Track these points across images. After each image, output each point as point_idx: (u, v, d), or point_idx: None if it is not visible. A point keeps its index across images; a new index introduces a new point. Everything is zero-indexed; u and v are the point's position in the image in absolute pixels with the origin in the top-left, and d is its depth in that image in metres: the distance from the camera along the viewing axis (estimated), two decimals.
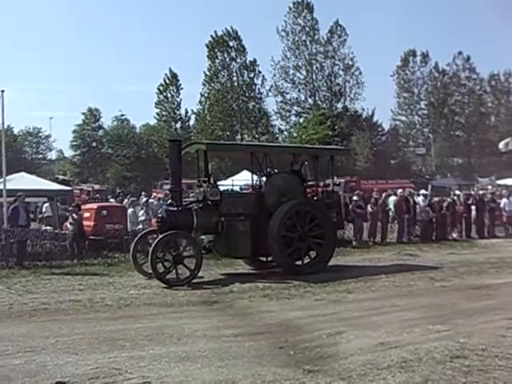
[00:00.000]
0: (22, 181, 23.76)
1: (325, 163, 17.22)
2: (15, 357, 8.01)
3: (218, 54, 64.00)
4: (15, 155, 56.30)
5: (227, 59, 64.04)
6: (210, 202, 15.29)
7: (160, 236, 14.31)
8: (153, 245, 14.12)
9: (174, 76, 64.73)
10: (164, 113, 65.03)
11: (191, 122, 65.63)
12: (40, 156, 71.72)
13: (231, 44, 64.21)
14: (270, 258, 16.52)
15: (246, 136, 62.32)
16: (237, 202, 15.61)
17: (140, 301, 11.93)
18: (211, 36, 63.77)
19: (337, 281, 14.01)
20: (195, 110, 64.34)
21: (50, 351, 8.25)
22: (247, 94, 63.68)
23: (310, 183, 17.00)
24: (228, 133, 61.60)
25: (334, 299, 11.99)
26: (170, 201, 15.77)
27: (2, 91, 18.29)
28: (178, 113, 65.03)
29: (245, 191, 18.44)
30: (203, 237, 15.74)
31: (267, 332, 9.26)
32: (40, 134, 70.41)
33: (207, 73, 64.11)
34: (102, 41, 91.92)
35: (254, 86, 64.57)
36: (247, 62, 64.35)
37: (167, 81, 64.81)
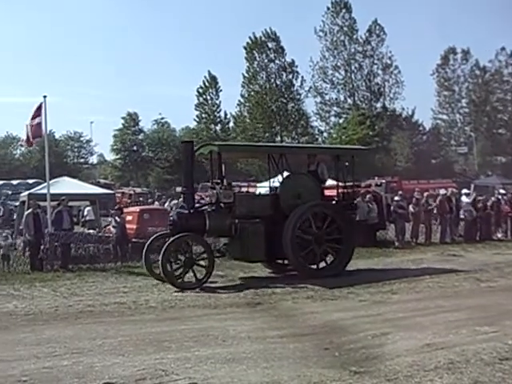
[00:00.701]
0: (65, 185, 24.13)
1: (348, 164, 16.87)
2: (63, 358, 8.13)
3: (257, 55, 64.08)
4: (58, 160, 57.25)
5: (266, 60, 64.05)
6: (222, 205, 14.99)
7: (171, 239, 14.22)
8: (164, 247, 13.96)
9: (213, 78, 65.05)
10: (204, 115, 65.37)
11: (231, 125, 65.83)
12: (82, 160, 72.67)
13: (270, 45, 64.22)
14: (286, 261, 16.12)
15: (285, 138, 62.23)
16: (251, 203, 15.21)
17: (184, 303, 12.00)
18: (249, 38, 63.95)
19: (380, 282, 13.89)
20: (234, 113, 64.57)
21: (96, 352, 8.35)
22: (286, 96, 63.57)
23: (328, 184, 16.83)
24: (267, 134, 61.57)
25: (378, 300, 11.91)
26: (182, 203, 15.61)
27: (45, 97, 18.57)
28: (217, 115, 65.34)
29: (259, 193, 17.94)
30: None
31: (312, 333, 9.24)
32: (81, 139, 71.39)
33: (246, 75, 64.26)
34: (141, 44, 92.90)
35: (292, 87, 64.44)
36: (286, 63, 64.27)
37: (206, 83, 65.16)
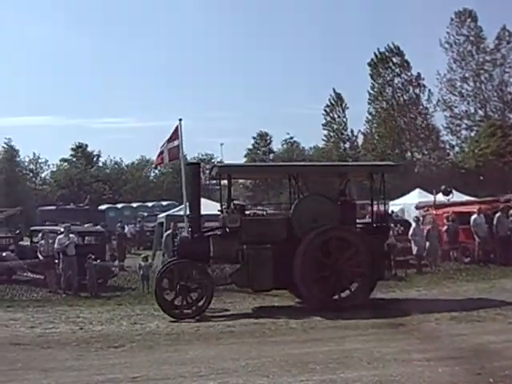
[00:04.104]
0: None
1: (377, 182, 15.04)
2: (209, 378, 8.26)
3: (382, 71, 63.31)
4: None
5: (391, 76, 63.14)
6: (228, 229, 14.20)
7: (165, 265, 13.94)
8: (158, 274, 13.67)
9: (339, 96, 64.87)
10: (332, 134, 65.30)
11: (359, 142, 65.32)
12: (214, 182, 74.18)
13: (394, 60, 63.28)
14: None
15: (415, 154, 60.91)
16: (260, 228, 14.10)
17: (324, 324, 11.92)
18: (374, 54, 63.28)
19: None
20: (363, 130, 64.04)
21: (241, 373, 8.41)
22: (414, 110, 62.29)
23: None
24: (397, 151, 60.52)
25: None
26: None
27: (180, 120, 19.07)
28: (345, 133, 65.06)
29: (270, 217, 16.48)
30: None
31: (460, 357, 8.85)
32: (213, 160, 73.15)
33: (371, 91, 63.62)
34: (268, 65, 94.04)
35: (419, 102, 63.06)
36: (411, 77, 63.06)
37: (332, 101, 65.11)
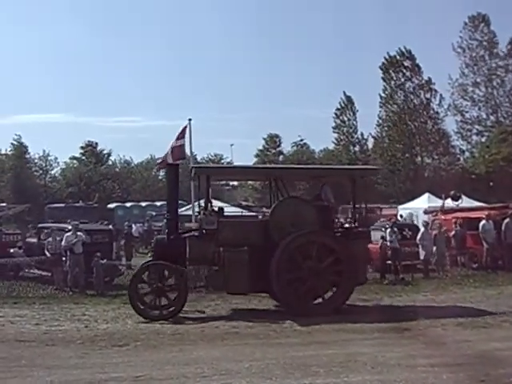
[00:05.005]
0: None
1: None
2: (212, 379, 8.27)
3: (393, 74, 63.16)
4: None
5: (402, 80, 62.98)
6: (204, 231, 14.02)
7: (139, 267, 13.82)
8: (132, 276, 13.54)
9: (349, 99, 64.81)
10: (342, 137, 65.20)
11: (369, 145, 65.18)
12: (223, 182, 74.28)
13: (405, 64, 63.12)
14: None
15: (425, 158, 60.69)
16: (236, 231, 13.89)
17: (330, 327, 11.80)
18: (385, 57, 63.15)
19: None
20: (373, 133, 63.90)
21: (244, 375, 8.41)
22: (424, 115, 62.09)
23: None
24: (407, 155, 60.34)
25: None
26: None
27: (190, 120, 19.11)
28: (355, 136, 64.96)
29: (247, 219, 16.25)
30: None
31: (465, 363, 8.81)
32: (222, 161, 73.13)
33: (382, 94, 63.46)
34: (276, 68, 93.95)
35: (430, 106, 62.85)
36: (423, 81, 62.88)
37: (343, 104, 65.04)
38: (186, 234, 14.58)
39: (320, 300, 13.83)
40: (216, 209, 14.77)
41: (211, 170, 16.21)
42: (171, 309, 13.42)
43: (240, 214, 15.82)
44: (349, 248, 13.74)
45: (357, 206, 14.82)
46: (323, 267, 13.49)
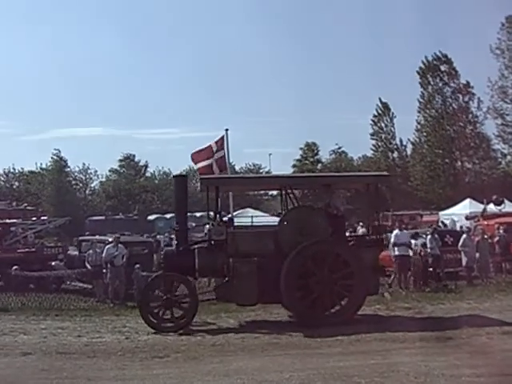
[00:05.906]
0: (248, 216, 24.66)
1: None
2: None
3: (430, 79, 62.60)
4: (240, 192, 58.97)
5: (440, 84, 62.38)
6: (213, 242, 13.92)
7: (151, 277, 13.77)
8: (143, 287, 13.52)
9: (386, 106, 64.39)
10: (380, 143, 64.77)
11: (408, 152, 64.59)
12: (262, 192, 74.31)
13: (442, 68, 62.53)
14: None
15: (466, 163, 59.85)
16: (246, 241, 13.71)
17: (371, 336, 11.60)
18: (422, 62, 62.63)
19: None
20: (412, 139, 63.33)
21: None
22: (463, 119, 61.34)
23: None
24: (447, 160, 59.60)
25: None
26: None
27: (227, 130, 19.09)
28: (393, 142, 64.48)
29: (257, 230, 15.65)
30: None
31: None
32: (261, 171, 73.12)
33: (421, 100, 62.89)
34: (312, 76, 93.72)
35: (469, 110, 62.07)
36: (460, 85, 62.16)
37: (379, 111, 64.65)
38: (195, 246, 14.48)
39: (332, 310, 13.65)
40: (226, 219, 14.72)
41: (220, 181, 15.99)
42: (182, 320, 13.40)
43: (250, 224, 15.78)
44: (360, 258, 13.47)
45: (370, 213, 14.67)
46: (334, 277, 13.26)
